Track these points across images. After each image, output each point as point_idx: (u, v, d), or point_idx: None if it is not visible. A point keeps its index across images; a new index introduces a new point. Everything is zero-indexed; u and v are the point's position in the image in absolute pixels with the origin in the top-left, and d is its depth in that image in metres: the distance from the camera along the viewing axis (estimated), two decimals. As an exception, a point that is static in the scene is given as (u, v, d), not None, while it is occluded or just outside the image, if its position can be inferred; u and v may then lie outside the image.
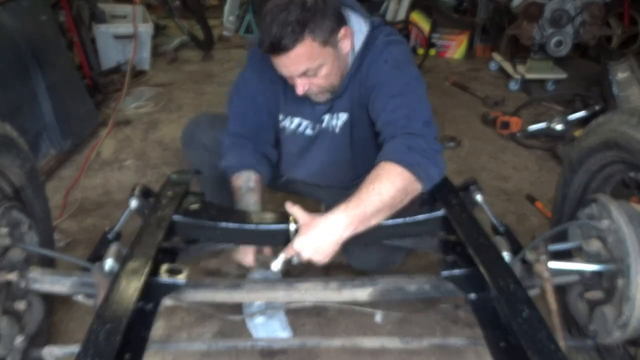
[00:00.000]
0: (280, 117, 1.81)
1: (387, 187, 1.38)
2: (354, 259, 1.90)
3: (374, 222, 1.40)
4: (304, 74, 1.52)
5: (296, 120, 1.79)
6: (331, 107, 1.72)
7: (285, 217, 1.48)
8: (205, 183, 1.92)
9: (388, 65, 1.59)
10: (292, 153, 1.87)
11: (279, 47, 1.44)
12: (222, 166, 1.76)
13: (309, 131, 1.79)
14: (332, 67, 1.54)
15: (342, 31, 1.53)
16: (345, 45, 1.56)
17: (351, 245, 1.43)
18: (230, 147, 1.76)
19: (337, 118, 1.74)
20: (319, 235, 1.37)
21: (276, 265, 1.42)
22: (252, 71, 1.76)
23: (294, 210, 1.45)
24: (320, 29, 1.45)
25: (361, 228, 1.38)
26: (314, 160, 1.85)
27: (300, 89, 1.56)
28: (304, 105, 1.74)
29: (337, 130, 1.75)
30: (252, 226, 1.52)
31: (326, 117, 1.75)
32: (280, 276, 1.89)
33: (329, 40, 1.49)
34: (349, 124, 1.74)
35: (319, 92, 1.62)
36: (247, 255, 1.65)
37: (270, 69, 1.59)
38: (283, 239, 1.47)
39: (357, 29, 1.61)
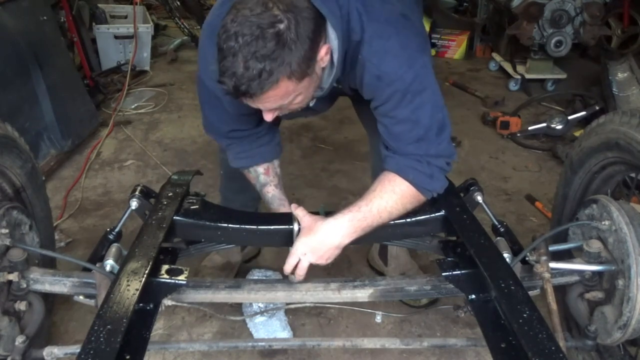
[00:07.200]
0: None
1: (397, 205, 1.40)
2: None
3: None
4: (276, 108, 1.29)
5: None
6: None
7: (287, 218, 1.48)
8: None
9: (383, 84, 1.33)
10: None
11: (245, 94, 1.15)
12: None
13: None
14: (308, 92, 1.29)
15: (322, 52, 1.23)
16: (323, 61, 1.27)
17: None
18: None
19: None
20: (319, 239, 1.37)
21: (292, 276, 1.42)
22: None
23: (298, 211, 1.45)
24: (297, 65, 1.15)
25: (361, 235, 1.40)
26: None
27: (269, 117, 1.32)
28: None
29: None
30: (253, 227, 1.51)
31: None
32: (281, 276, 1.90)
33: (307, 71, 1.20)
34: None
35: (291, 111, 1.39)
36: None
37: None
38: (285, 240, 1.47)
39: (334, 43, 1.28)
